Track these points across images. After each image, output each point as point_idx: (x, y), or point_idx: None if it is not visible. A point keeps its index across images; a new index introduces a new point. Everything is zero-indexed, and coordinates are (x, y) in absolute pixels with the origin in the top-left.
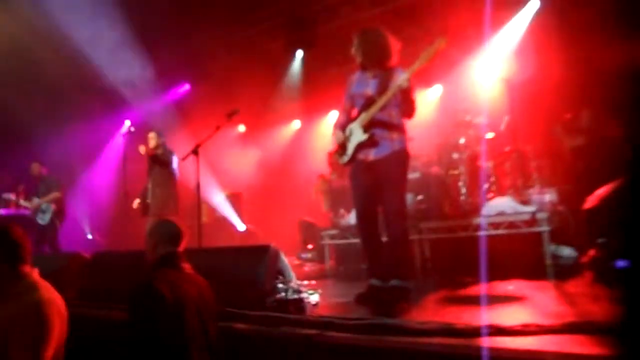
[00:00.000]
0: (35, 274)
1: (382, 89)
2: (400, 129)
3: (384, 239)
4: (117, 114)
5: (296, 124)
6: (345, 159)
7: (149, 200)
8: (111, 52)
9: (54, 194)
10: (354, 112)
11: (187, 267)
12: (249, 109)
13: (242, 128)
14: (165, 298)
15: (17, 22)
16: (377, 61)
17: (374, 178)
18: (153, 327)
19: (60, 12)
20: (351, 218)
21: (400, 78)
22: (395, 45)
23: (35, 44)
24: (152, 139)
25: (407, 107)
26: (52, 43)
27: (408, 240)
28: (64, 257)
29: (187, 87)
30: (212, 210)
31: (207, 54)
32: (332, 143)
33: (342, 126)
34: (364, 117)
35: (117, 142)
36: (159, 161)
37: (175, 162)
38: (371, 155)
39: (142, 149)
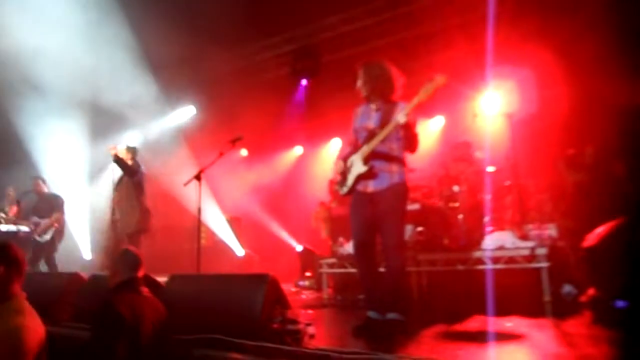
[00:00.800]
0: (22, 297)
1: (384, 122)
2: (400, 161)
3: (382, 270)
4: (120, 134)
5: (298, 150)
6: (345, 189)
7: (116, 217)
8: (117, 74)
9: (57, 215)
10: (358, 145)
11: (145, 290)
12: (252, 134)
13: (244, 152)
14: (123, 317)
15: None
16: (380, 94)
17: (372, 209)
18: (112, 342)
19: (67, 30)
20: (350, 247)
21: (399, 114)
22: (399, 78)
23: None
24: (123, 151)
25: (408, 141)
26: (57, 60)
27: (406, 272)
28: (61, 277)
29: (192, 110)
30: (212, 233)
31: (213, 79)
32: (333, 173)
33: (344, 158)
34: (365, 149)
35: None
36: (127, 169)
37: (142, 175)
38: (370, 187)
39: (111, 150)
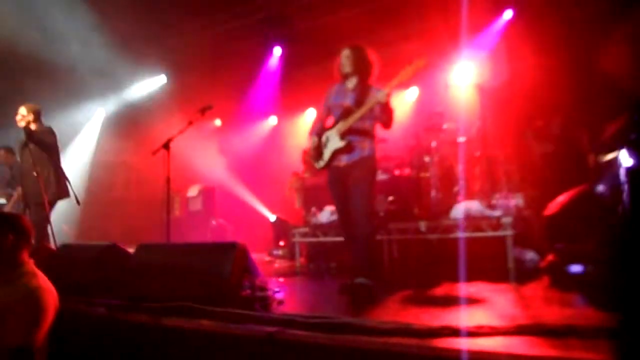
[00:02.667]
0: (32, 262)
1: (360, 101)
2: (372, 137)
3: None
4: (91, 104)
5: (272, 121)
6: (322, 164)
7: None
8: (85, 41)
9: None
10: (330, 121)
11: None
12: (225, 103)
13: (218, 122)
14: None
15: None
16: (360, 76)
17: (345, 181)
18: None
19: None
20: (322, 216)
21: (380, 93)
22: (376, 65)
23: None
24: (22, 115)
25: (385, 119)
26: (23, 30)
27: (374, 241)
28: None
29: (163, 79)
30: (185, 204)
31: (185, 47)
32: (307, 147)
33: (317, 133)
34: (341, 125)
35: (89, 131)
36: (34, 139)
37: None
38: (343, 160)
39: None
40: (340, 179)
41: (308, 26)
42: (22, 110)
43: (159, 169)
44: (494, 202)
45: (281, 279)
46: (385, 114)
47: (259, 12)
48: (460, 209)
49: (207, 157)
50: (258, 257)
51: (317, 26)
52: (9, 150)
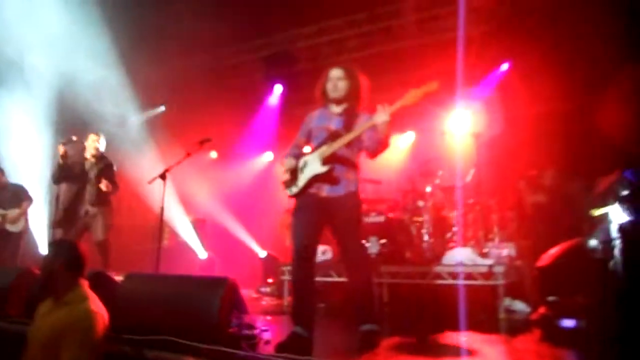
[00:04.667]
0: (86, 285)
1: (348, 127)
2: (356, 170)
3: (348, 282)
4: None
5: (268, 156)
6: (294, 190)
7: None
8: (85, 69)
9: (27, 203)
10: (310, 146)
11: None
12: (222, 137)
13: (214, 155)
14: None
15: None
16: (350, 101)
17: (324, 216)
18: None
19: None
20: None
21: (381, 114)
22: (368, 92)
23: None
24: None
25: (378, 144)
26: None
27: (373, 283)
28: (13, 273)
29: (162, 108)
30: (175, 234)
31: (185, 79)
32: (282, 172)
33: (294, 155)
34: (325, 149)
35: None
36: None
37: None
38: (324, 191)
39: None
40: (316, 209)
41: (310, 67)
42: (95, 138)
43: (152, 198)
44: (486, 250)
45: (268, 318)
46: (380, 138)
47: (263, 49)
48: (452, 256)
49: (200, 188)
50: (245, 293)
51: (319, 67)
52: (1, 170)
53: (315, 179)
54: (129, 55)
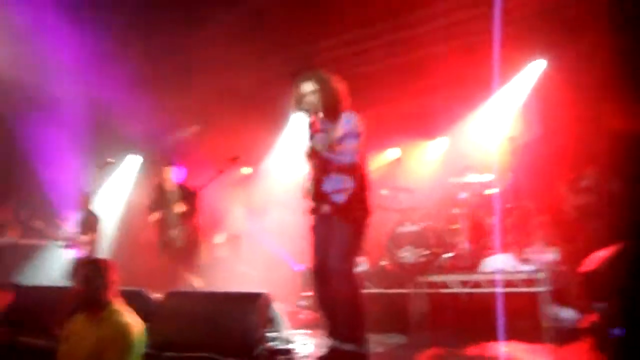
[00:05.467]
0: (121, 301)
1: (331, 140)
2: (343, 189)
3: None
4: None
5: (302, 169)
6: (308, 211)
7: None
8: (120, 90)
9: (93, 234)
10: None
11: None
12: (254, 152)
13: (247, 170)
14: None
15: None
16: (330, 111)
17: (327, 229)
18: None
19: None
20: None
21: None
22: (345, 89)
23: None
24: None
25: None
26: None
27: (358, 300)
28: (55, 291)
29: (196, 128)
30: (211, 251)
31: (213, 98)
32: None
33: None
34: (309, 186)
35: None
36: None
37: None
38: (324, 209)
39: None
40: (322, 226)
41: (337, 77)
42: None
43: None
44: (527, 256)
45: (307, 332)
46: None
47: (291, 63)
48: (492, 263)
49: (235, 205)
50: (283, 307)
51: (347, 77)
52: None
53: (312, 210)
54: (158, 75)
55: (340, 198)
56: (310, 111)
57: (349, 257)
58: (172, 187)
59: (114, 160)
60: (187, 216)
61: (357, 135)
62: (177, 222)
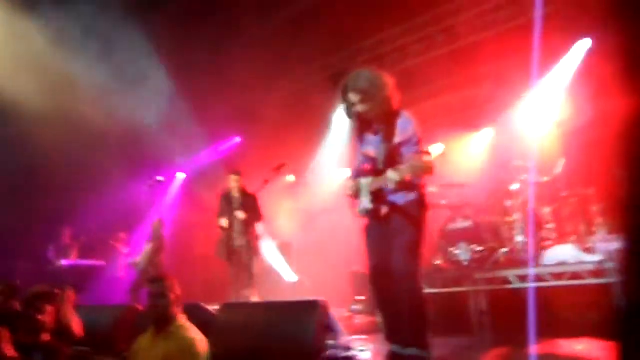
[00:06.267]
0: (184, 317)
1: (386, 151)
2: (410, 187)
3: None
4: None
5: (346, 173)
6: (358, 212)
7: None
8: (161, 107)
9: (149, 245)
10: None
11: None
12: (298, 159)
13: (291, 178)
14: None
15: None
16: (379, 111)
17: (386, 231)
18: None
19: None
20: None
21: (389, 177)
22: (390, 82)
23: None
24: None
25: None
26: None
27: (423, 302)
28: (118, 309)
29: (237, 140)
30: (262, 260)
31: (256, 108)
32: (345, 190)
33: (354, 176)
34: (371, 183)
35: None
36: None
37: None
38: (382, 210)
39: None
40: (380, 226)
41: (385, 73)
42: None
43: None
44: (591, 245)
45: (364, 337)
46: (405, 182)
47: (327, 70)
48: (552, 255)
49: (283, 212)
50: (337, 312)
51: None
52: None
53: (367, 213)
54: (199, 93)
55: (401, 199)
56: (360, 119)
57: (414, 258)
58: (237, 195)
59: (163, 179)
60: (250, 222)
61: (417, 143)
62: (241, 230)
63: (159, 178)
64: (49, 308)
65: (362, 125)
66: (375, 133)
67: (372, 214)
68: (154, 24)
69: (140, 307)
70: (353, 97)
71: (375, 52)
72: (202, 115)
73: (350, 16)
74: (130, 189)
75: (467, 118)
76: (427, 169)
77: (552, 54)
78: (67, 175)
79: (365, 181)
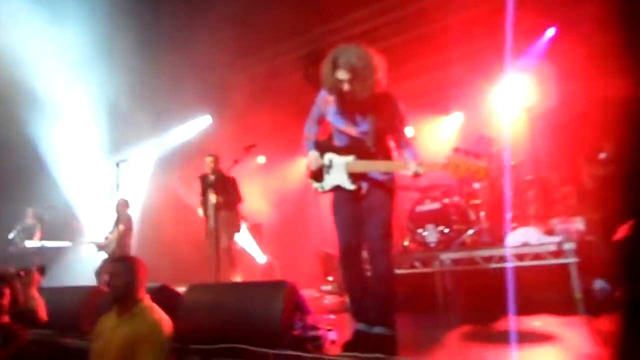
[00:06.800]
0: (148, 298)
1: (376, 132)
2: (390, 156)
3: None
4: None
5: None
6: (321, 190)
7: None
8: (130, 85)
9: (118, 229)
10: (331, 140)
11: None
12: (269, 140)
13: (262, 159)
14: None
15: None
16: (367, 91)
17: (358, 205)
18: None
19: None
20: None
21: (411, 167)
22: (383, 64)
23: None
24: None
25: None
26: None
27: (393, 281)
28: (83, 291)
29: (208, 118)
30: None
31: (227, 87)
32: (306, 165)
33: (317, 147)
34: (354, 164)
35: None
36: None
37: None
38: (364, 186)
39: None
40: (351, 202)
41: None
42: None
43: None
44: (552, 227)
45: (332, 316)
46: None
47: (298, 50)
48: (515, 236)
49: (253, 194)
50: (307, 293)
51: None
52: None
53: (342, 189)
54: (172, 71)
55: (379, 176)
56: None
57: (390, 236)
58: (212, 177)
59: (130, 158)
60: (227, 205)
61: (403, 127)
62: (214, 212)
63: (126, 158)
64: (6, 290)
65: (346, 104)
66: (363, 114)
67: (343, 192)
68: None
69: (105, 289)
70: (342, 74)
71: (346, 32)
72: (172, 93)
73: None
74: (95, 169)
75: (437, 102)
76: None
77: (521, 40)
78: (28, 154)
79: (342, 160)
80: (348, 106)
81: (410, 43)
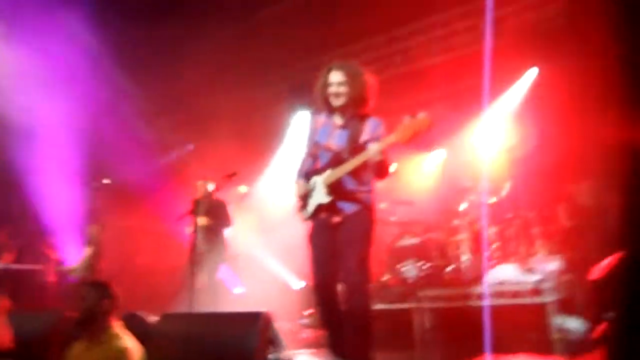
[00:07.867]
0: (119, 325)
1: (353, 143)
2: (368, 188)
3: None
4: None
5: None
6: (306, 216)
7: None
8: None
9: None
10: (319, 162)
11: None
12: (251, 170)
13: (243, 189)
14: None
15: None
16: (354, 107)
17: (333, 237)
18: None
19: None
20: None
21: (372, 150)
22: (374, 85)
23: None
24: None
25: (378, 171)
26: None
27: (370, 317)
28: (50, 316)
29: (190, 147)
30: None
31: (210, 115)
32: (294, 193)
33: (305, 175)
34: (330, 175)
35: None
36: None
37: None
38: (335, 218)
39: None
40: (328, 234)
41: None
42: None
43: (184, 235)
44: (530, 266)
45: (310, 350)
46: (378, 167)
47: (286, 81)
48: (494, 274)
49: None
50: (285, 326)
51: None
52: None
53: (321, 209)
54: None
55: (354, 209)
56: (337, 105)
57: (366, 271)
58: (203, 201)
59: (109, 181)
60: (215, 228)
61: (380, 136)
62: (203, 236)
63: (105, 181)
64: None
65: (333, 119)
66: (343, 127)
67: (321, 221)
68: (104, 30)
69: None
70: (335, 75)
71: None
72: (155, 119)
73: (307, 31)
74: (74, 192)
75: (420, 139)
76: (388, 166)
77: (502, 81)
78: (10, 175)
79: (320, 177)
80: (334, 121)
81: (394, 80)
